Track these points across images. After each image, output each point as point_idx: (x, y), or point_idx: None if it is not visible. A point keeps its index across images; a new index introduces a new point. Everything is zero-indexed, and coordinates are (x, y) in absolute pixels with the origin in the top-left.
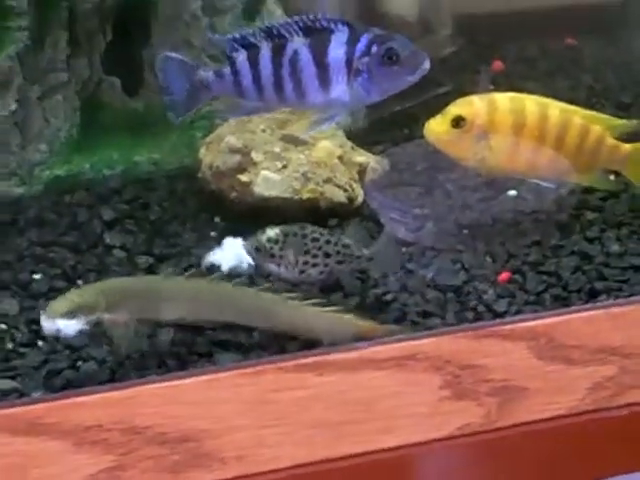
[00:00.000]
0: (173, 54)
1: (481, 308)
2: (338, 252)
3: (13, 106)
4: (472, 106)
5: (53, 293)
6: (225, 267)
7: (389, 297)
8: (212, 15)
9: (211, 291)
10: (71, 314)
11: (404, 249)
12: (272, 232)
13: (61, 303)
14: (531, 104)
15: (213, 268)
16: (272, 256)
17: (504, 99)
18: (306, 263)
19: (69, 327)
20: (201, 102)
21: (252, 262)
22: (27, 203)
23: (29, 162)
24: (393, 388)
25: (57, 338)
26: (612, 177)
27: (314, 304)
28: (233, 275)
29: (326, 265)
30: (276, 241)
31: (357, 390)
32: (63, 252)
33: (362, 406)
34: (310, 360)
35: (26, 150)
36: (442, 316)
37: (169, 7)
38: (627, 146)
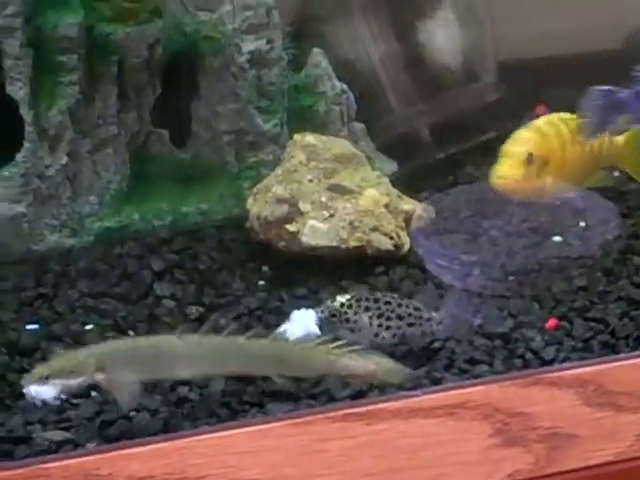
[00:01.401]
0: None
1: (529, 355)
2: (410, 314)
3: (64, 159)
4: (531, 140)
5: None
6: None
7: (437, 345)
8: (259, 67)
9: (226, 345)
10: (45, 379)
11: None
12: (344, 298)
13: (37, 369)
14: (561, 123)
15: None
16: (347, 321)
17: (545, 125)
18: (380, 326)
19: (44, 392)
20: (613, 121)
21: (319, 332)
22: (78, 254)
23: (80, 214)
24: (442, 436)
25: (36, 404)
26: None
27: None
28: None
29: (399, 328)
30: (350, 306)
31: (406, 438)
32: (114, 303)
33: (411, 454)
34: (359, 409)
35: (77, 202)
36: (490, 363)
37: (216, 60)
38: (620, 138)
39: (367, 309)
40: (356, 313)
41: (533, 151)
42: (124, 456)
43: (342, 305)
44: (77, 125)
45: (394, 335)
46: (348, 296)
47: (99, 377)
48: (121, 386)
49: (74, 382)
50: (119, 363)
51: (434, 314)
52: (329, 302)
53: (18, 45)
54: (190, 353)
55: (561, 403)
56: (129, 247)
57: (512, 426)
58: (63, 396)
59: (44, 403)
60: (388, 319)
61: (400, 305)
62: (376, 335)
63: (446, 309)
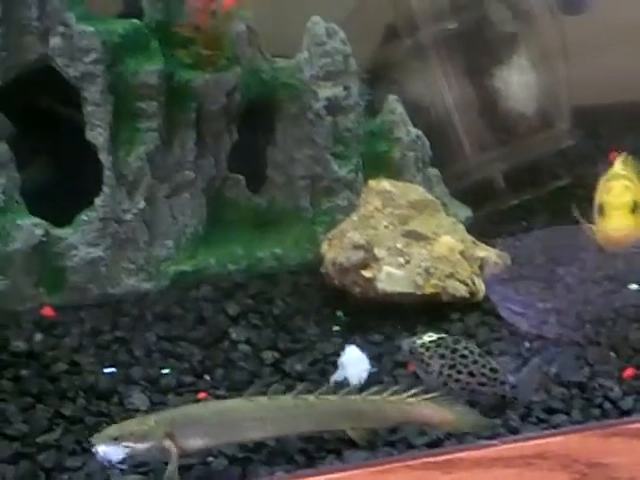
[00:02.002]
0: None
1: (607, 405)
2: (483, 374)
3: (142, 204)
4: (630, 189)
5: (181, 388)
6: (353, 381)
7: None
8: (335, 113)
9: (296, 405)
10: (114, 440)
11: (527, 344)
12: (428, 338)
13: (108, 430)
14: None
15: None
16: (421, 361)
17: (625, 171)
18: (450, 376)
19: (112, 453)
20: None
21: (368, 368)
22: (154, 298)
23: (156, 258)
24: None
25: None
26: None
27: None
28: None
29: (468, 383)
30: (428, 348)
31: None
32: (190, 347)
33: None
34: (439, 458)
35: (153, 246)
36: (568, 413)
37: (293, 106)
38: None
39: (442, 357)
40: (431, 357)
41: (637, 199)
42: None
43: (422, 345)
44: (155, 170)
45: (462, 389)
46: (434, 337)
47: (167, 443)
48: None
49: (142, 446)
50: (188, 430)
51: (510, 377)
52: (415, 338)
53: (99, 92)
54: (260, 415)
55: None
56: (205, 291)
57: (591, 477)
58: (129, 459)
59: (111, 464)
60: (459, 372)
61: (476, 362)
62: (444, 384)
63: (524, 375)
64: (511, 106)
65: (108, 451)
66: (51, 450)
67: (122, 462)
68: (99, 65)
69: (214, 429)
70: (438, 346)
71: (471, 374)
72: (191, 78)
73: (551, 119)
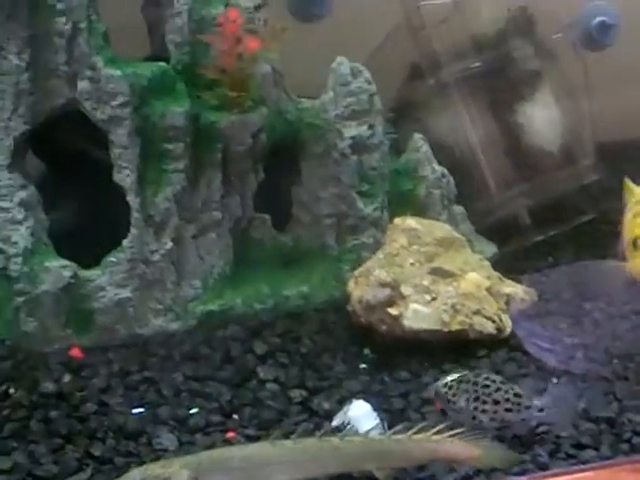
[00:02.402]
0: None
1: (635, 440)
2: (507, 399)
3: (169, 245)
4: None
5: (210, 428)
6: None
7: (542, 429)
8: (360, 152)
9: (321, 447)
10: None
11: (555, 380)
12: (450, 378)
13: (132, 472)
14: None
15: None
16: (448, 402)
17: None
18: (476, 409)
19: None
20: None
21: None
22: (182, 338)
23: (184, 298)
24: None
25: None
26: None
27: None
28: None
29: (495, 412)
30: (450, 387)
31: None
32: (218, 386)
33: None
34: None
35: (181, 286)
36: (596, 448)
37: (318, 145)
38: None
39: (465, 391)
40: (454, 395)
41: None
42: None
43: (445, 385)
44: (182, 211)
45: (492, 419)
46: (456, 376)
47: None
48: None
49: None
50: (213, 475)
51: (535, 402)
52: (441, 379)
53: (126, 135)
54: (285, 459)
55: None
56: (232, 330)
57: None
58: None
59: None
60: (484, 402)
61: (498, 390)
62: (473, 418)
63: (549, 397)
64: (535, 142)
65: None
66: None
67: None
68: (126, 108)
69: (239, 474)
70: (460, 382)
71: (496, 402)
72: (217, 119)
73: (575, 155)
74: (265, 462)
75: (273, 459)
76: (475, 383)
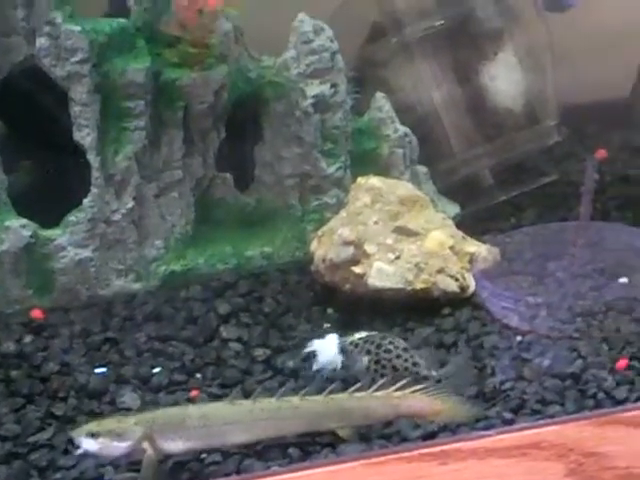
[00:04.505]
0: None
1: (601, 395)
2: (406, 368)
3: (130, 204)
4: None
5: (173, 386)
6: (321, 359)
7: (507, 386)
8: (323, 111)
9: (280, 407)
10: (92, 436)
11: (518, 338)
12: (358, 335)
13: (88, 425)
14: None
15: (309, 358)
16: (354, 359)
17: None
18: (376, 371)
19: (90, 447)
20: None
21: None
22: (144, 298)
23: (145, 258)
24: (517, 477)
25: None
26: None
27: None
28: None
29: (393, 378)
30: (356, 345)
31: (480, 479)
32: (181, 346)
33: None
34: (434, 449)
35: (142, 246)
36: (562, 404)
37: (281, 104)
38: None
39: (368, 352)
40: (359, 353)
41: None
42: None
43: (351, 343)
44: (143, 170)
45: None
46: (363, 334)
47: (145, 444)
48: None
49: (118, 445)
50: (168, 432)
51: (433, 372)
52: (349, 336)
53: (86, 92)
54: (243, 419)
55: (637, 443)
56: (194, 291)
57: (587, 466)
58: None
59: (92, 455)
60: (383, 367)
61: (399, 357)
62: (372, 380)
63: (449, 368)
64: (498, 102)
65: (86, 446)
66: (43, 449)
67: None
68: (86, 65)
69: (196, 432)
70: (365, 342)
71: (394, 368)
72: (178, 77)
73: (538, 115)
74: (223, 421)
75: (231, 418)
76: (378, 346)
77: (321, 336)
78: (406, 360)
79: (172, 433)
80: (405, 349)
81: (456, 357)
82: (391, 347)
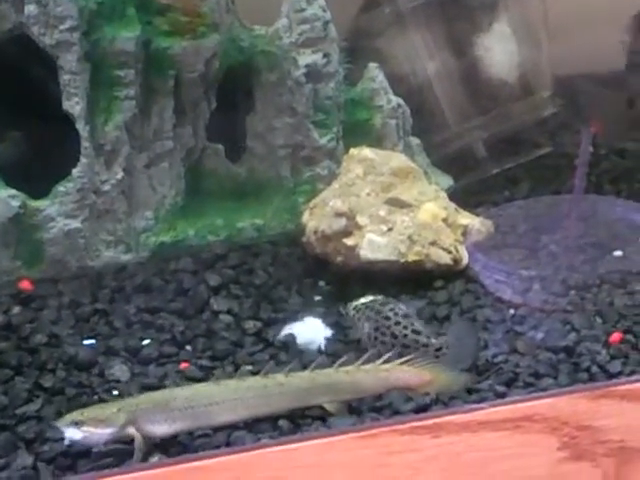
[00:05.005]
0: None
1: (594, 369)
2: (405, 335)
3: (120, 174)
4: None
5: (163, 359)
6: (300, 340)
7: (500, 359)
8: (315, 81)
9: (265, 385)
10: (75, 425)
11: (512, 311)
12: (362, 300)
13: (71, 414)
14: None
15: (288, 340)
16: (355, 324)
17: None
18: (376, 339)
19: (74, 436)
20: None
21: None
22: (134, 269)
23: (135, 229)
24: (510, 450)
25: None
26: None
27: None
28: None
29: (393, 345)
30: (358, 310)
31: (473, 452)
32: (171, 318)
33: (478, 468)
34: (426, 422)
35: (132, 217)
36: (555, 377)
37: (273, 74)
38: None
39: (368, 319)
40: (359, 320)
41: None
42: (188, 470)
43: (354, 308)
44: (133, 140)
45: (389, 351)
46: (368, 299)
47: (130, 430)
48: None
49: (102, 432)
50: (153, 416)
51: (433, 340)
52: (354, 301)
53: (75, 60)
54: (228, 398)
55: (630, 416)
56: (184, 262)
57: (580, 440)
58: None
59: (77, 444)
60: (383, 334)
61: (398, 323)
62: (374, 346)
63: (450, 337)
64: (492, 74)
65: (70, 435)
66: (31, 421)
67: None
68: (75, 33)
69: (181, 414)
70: (367, 308)
71: (394, 336)
72: (169, 45)
73: (533, 87)
74: (208, 402)
75: (216, 398)
76: (378, 312)
77: (300, 319)
78: (405, 327)
79: (157, 416)
80: (405, 315)
81: (456, 324)
82: (390, 314)
